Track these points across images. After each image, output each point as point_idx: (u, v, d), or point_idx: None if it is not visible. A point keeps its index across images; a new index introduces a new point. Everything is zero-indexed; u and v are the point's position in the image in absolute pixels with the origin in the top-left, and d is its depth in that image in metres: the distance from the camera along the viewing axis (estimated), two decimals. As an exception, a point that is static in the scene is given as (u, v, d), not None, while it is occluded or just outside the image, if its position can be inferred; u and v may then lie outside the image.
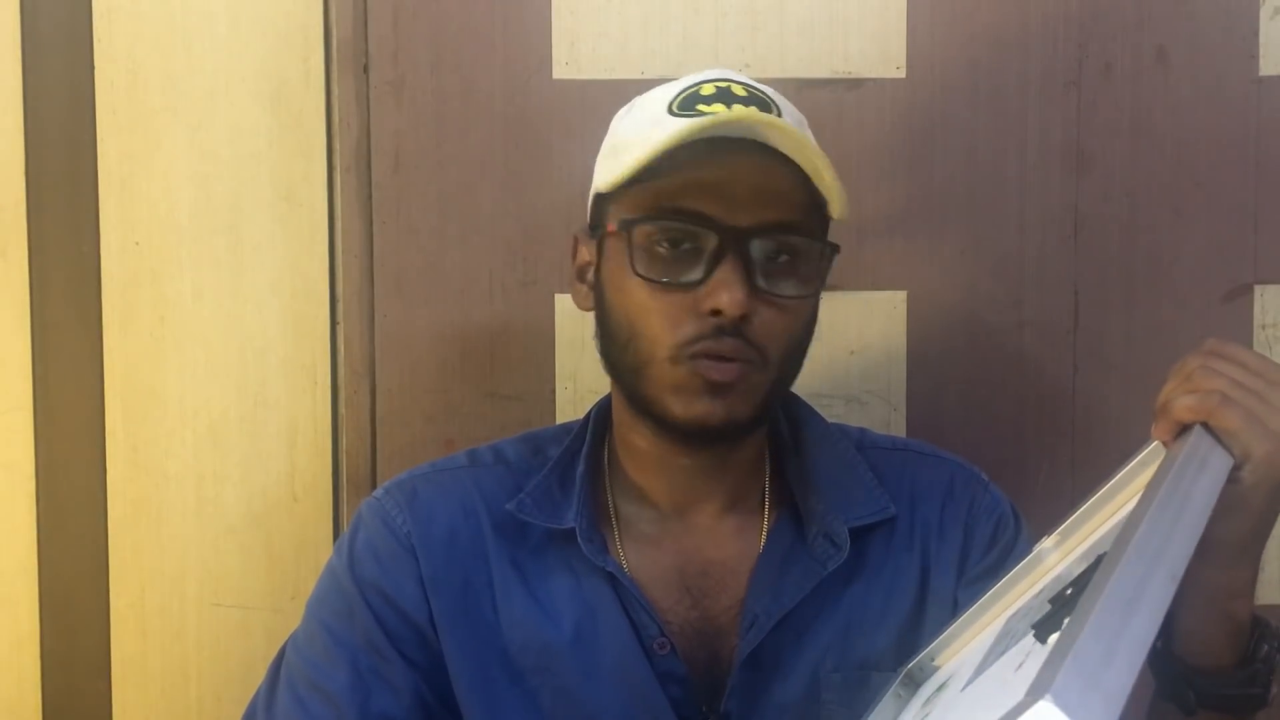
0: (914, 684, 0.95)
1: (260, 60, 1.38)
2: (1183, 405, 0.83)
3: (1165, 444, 0.83)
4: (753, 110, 0.98)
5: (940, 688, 0.91)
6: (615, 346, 1.02)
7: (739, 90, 1.01)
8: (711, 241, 0.96)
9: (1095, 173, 1.35)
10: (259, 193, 1.39)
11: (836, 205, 0.99)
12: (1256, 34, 1.34)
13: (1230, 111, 1.34)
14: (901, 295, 1.35)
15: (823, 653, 1.03)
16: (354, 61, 1.34)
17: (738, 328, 0.96)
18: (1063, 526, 0.88)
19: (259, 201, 1.39)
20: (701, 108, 0.99)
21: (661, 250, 0.98)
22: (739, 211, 0.96)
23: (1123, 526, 0.72)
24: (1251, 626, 0.88)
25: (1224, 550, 0.84)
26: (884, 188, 1.34)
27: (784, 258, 0.99)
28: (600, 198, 1.03)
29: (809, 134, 1.04)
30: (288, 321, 1.40)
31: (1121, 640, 0.61)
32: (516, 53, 1.33)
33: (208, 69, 1.38)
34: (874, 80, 1.34)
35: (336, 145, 1.37)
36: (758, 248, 0.97)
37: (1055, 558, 0.87)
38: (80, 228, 1.38)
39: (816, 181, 0.98)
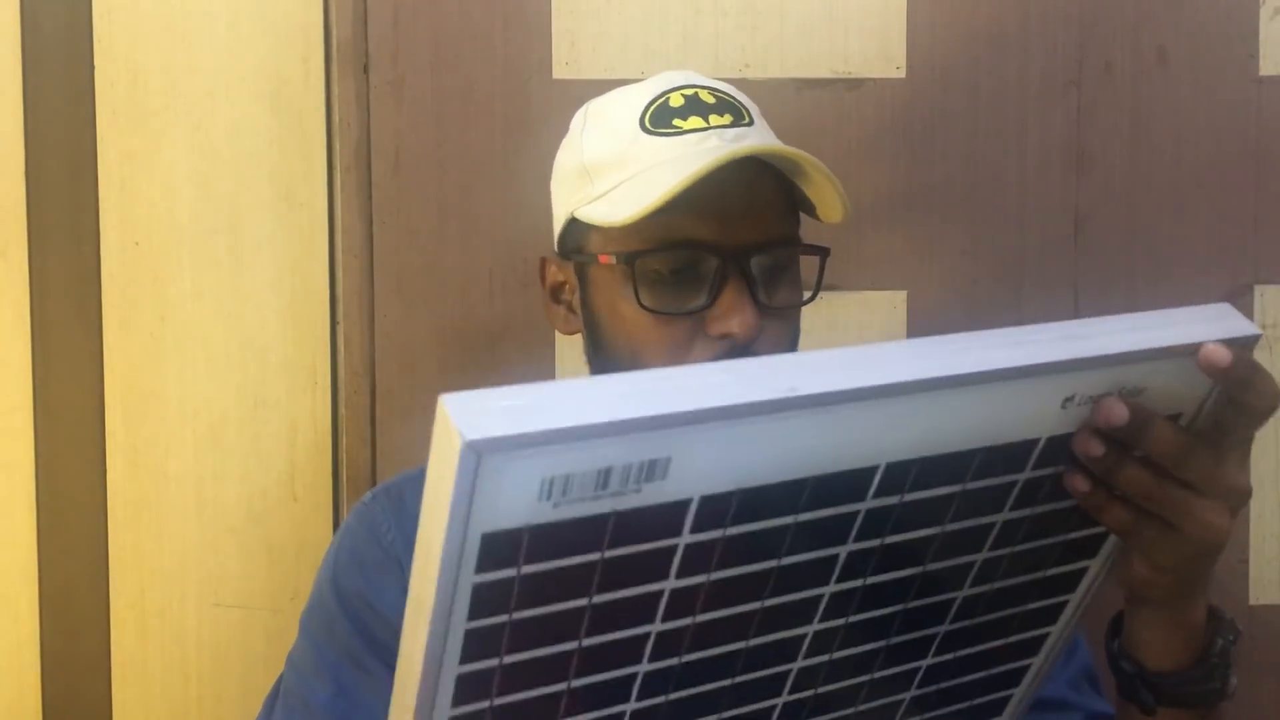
0: None
1: (260, 60, 1.38)
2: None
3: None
4: (746, 134, 0.97)
5: None
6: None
7: (707, 97, 0.99)
8: (713, 264, 0.95)
9: (1095, 173, 1.35)
10: (259, 193, 1.39)
11: (840, 208, 0.97)
12: (1256, 34, 1.34)
13: (1230, 111, 1.34)
14: (901, 295, 1.35)
15: None
16: (354, 61, 1.34)
17: (747, 346, 0.96)
18: None
19: (259, 201, 1.39)
20: (677, 123, 0.97)
21: (663, 280, 0.96)
22: (736, 230, 0.95)
23: None
24: (1206, 623, 0.87)
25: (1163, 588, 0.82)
26: (884, 188, 1.34)
27: (780, 270, 0.98)
28: (575, 221, 1.01)
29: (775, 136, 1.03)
30: (288, 321, 1.40)
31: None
32: (516, 53, 1.33)
33: (208, 69, 1.38)
34: (874, 80, 1.34)
35: (336, 145, 1.37)
36: (757, 264, 0.96)
37: None
38: (80, 228, 1.38)
39: (819, 189, 0.97)
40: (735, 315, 0.95)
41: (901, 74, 1.34)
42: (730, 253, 0.95)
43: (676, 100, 0.99)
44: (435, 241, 1.34)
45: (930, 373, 0.60)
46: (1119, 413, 0.67)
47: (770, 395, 0.56)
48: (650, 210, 0.92)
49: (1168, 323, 0.67)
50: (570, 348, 1.34)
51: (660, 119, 0.98)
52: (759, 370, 0.57)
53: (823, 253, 1.00)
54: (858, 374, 0.58)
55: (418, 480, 1.09)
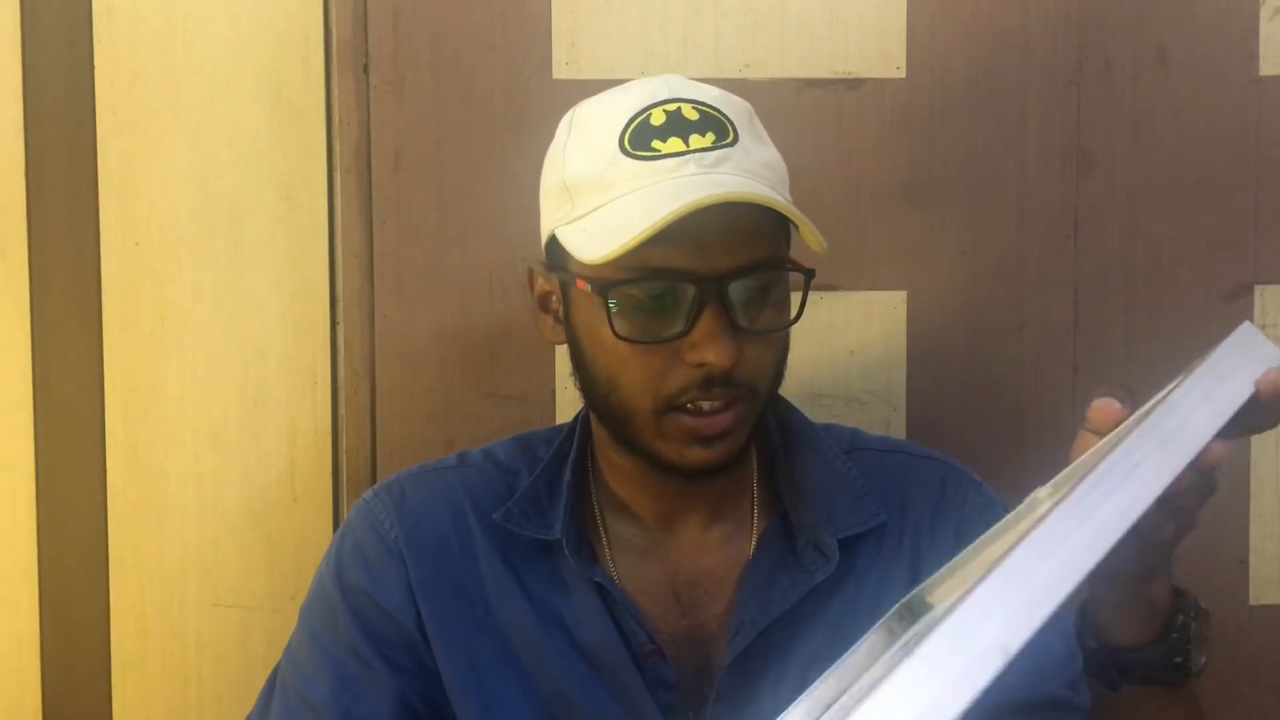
0: (911, 618, 0.95)
1: (260, 60, 1.38)
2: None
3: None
4: (727, 156, 0.96)
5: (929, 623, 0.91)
6: (596, 394, 1.01)
7: (690, 114, 0.97)
8: (689, 292, 0.94)
9: (1095, 173, 1.35)
10: (259, 193, 1.39)
11: (816, 244, 0.96)
12: (1256, 34, 1.34)
13: (1230, 111, 1.34)
14: (901, 295, 1.35)
15: (811, 659, 1.03)
16: (354, 61, 1.34)
17: (726, 374, 0.95)
18: (1055, 478, 0.88)
19: (259, 201, 1.39)
20: (656, 144, 0.96)
21: (640, 307, 0.96)
22: (713, 258, 0.94)
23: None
24: (1170, 601, 0.88)
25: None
26: (884, 188, 1.34)
27: (761, 292, 0.97)
28: (558, 238, 1.01)
29: (766, 144, 1.02)
30: (288, 321, 1.40)
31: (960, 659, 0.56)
32: (516, 53, 1.33)
33: (208, 69, 1.38)
34: (874, 80, 1.34)
35: (336, 145, 1.37)
36: (736, 290, 0.95)
37: (1048, 505, 0.87)
38: (80, 228, 1.38)
39: (801, 231, 0.96)
40: (711, 345, 0.94)
41: (901, 74, 1.34)
42: (707, 280, 0.94)
43: (658, 118, 0.97)
44: (435, 241, 1.34)
45: (1096, 557, 0.62)
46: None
47: (991, 675, 0.57)
48: (615, 255, 0.92)
49: (1222, 374, 0.71)
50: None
51: (639, 140, 0.97)
52: (965, 652, 0.58)
53: (807, 274, 0.99)
54: (1045, 599, 0.60)
55: (418, 478, 1.10)
